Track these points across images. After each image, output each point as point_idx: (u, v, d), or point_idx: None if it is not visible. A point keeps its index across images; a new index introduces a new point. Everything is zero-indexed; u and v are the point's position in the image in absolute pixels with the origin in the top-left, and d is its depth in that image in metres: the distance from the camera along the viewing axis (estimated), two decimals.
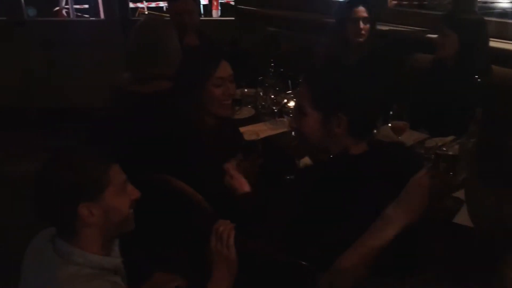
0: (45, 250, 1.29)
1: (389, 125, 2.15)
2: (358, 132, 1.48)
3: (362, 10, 2.82)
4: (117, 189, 1.31)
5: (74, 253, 1.26)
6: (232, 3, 6.63)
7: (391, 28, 3.22)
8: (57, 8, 7.01)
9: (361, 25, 2.81)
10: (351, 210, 1.32)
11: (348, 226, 1.32)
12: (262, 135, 1.99)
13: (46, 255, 1.28)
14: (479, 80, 2.40)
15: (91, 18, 6.43)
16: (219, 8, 7.12)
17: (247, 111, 2.70)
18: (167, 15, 6.43)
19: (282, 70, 2.99)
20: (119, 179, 1.32)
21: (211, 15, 6.69)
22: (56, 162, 1.29)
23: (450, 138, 2.20)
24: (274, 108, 2.59)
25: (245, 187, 1.68)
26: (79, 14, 6.98)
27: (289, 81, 2.78)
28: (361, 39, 2.83)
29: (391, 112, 2.13)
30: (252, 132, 1.89)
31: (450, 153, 1.96)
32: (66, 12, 6.98)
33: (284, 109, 2.49)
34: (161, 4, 7.58)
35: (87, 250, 1.27)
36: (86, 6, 7.30)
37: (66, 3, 6.97)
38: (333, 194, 1.35)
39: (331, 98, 1.46)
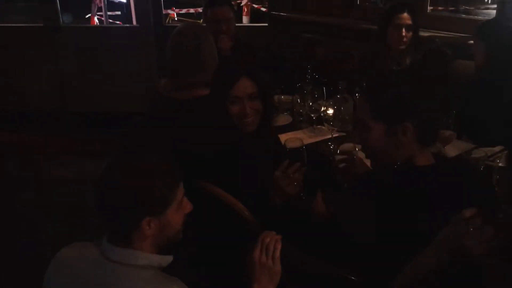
0: (96, 263, 1.26)
1: None
2: (425, 137, 1.44)
3: (406, 17, 2.74)
4: (177, 205, 1.30)
5: (138, 256, 1.25)
6: (263, 9, 6.65)
7: (432, 34, 3.14)
8: (90, 15, 7.13)
9: (404, 32, 2.73)
10: (414, 227, 1.26)
11: (409, 242, 1.27)
12: (305, 143, 1.94)
13: (101, 266, 1.25)
14: None
15: (124, 25, 6.51)
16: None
17: (284, 119, 2.66)
18: (198, 21, 6.51)
19: (317, 76, 2.95)
20: (181, 195, 1.32)
21: (241, 21, 6.69)
22: (127, 171, 1.26)
23: (498, 148, 2.12)
24: (312, 115, 2.54)
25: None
26: (111, 20, 7.07)
27: (324, 88, 2.73)
28: (402, 47, 2.76)
29: None
30: (295, 139, 1.84)
31: (501, 164, 1.89)
32: (98, 18, 7.09)
33: (323, 116, 2.43)
34: (191, 10, 7.63)
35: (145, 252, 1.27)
36: (118, 12, 7.41)
37: (98, 10, 7.08)
38: (396, 207, 1.31)
39: (394, 108, 1.41)
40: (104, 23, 6.77)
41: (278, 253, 1.39)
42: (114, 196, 1.23)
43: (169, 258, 1.32)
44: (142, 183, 1.23)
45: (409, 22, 2.74)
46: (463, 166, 1.65)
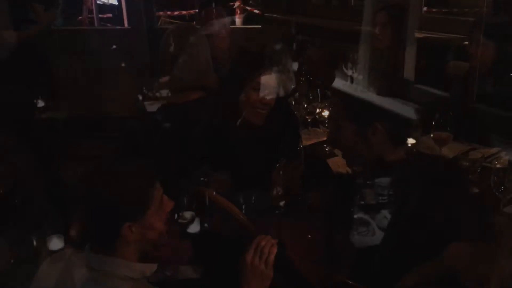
0: (79, 272, 1.25)
1: (431, 135, 2.05)
2: (396, 137, 1.50)
3: (380, 15, 2.76)
4: (157, 207, 1.29)
5: (120, 264, 1.23)
6: (256, 11, 6.64)
7: (427, 35, 3.13)
8: (81, 17, 7.08)
9: (378, 30, 2.75)
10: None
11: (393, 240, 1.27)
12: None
13: (84, 276, 1.24)
14: None
15: (116, 27, 6.47)
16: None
17: None
18: (191, 23, 6.48)
19: (311, 78, 2.93)
20: (158, 195, 1.30)
21: (234, 23, 6.66)
22: (105, 179, 1.25)
23: (496, 149, 2.11)
24: (307, 117, 2.53)
25: None
26: (102, 23, 7.02)
27: (318, 90, 2.71)
28: (378, 45, 2.77)
29: (433, 122, 2.04)
30: None
31: (498, 166, 1.87)
32: (89, 21, 7.04)
33: (318, 118, 2.42)
34: (184, 12, 7.59)
35: (129, 260, 1.26)
36: (109, 15, 7.35)
37: (90, 13, 7.03)
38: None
39: (364, 109, 1.45)
40: (95, 25, 6.71)
41: (272, 258, 1.37)
42: (91, 205, 1.24)
43: (153, 267, 1.31)
44: (114, 189, 1.23)
45: (383, 20, 2.75)
46: (436, 161, 1.67)
